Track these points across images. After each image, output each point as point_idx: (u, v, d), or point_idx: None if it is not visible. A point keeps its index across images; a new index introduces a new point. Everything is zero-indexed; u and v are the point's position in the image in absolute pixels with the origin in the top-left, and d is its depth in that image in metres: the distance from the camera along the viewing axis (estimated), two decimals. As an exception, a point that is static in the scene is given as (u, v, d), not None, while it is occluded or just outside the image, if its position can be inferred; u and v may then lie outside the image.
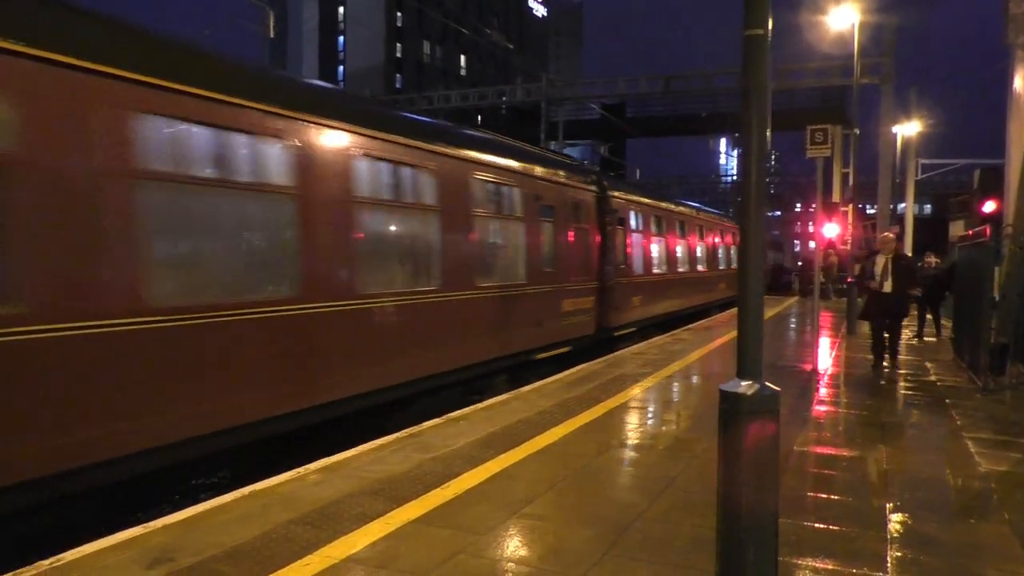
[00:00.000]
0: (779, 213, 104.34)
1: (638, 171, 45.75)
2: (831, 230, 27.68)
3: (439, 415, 8.21)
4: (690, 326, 19.24)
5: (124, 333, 5.35)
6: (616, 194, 15.90)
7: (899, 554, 4.54)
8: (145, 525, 4.79)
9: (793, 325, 20.66)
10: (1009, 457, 6.82)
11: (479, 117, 59.16)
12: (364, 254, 8.08)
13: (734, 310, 24.85)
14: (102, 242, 5.32)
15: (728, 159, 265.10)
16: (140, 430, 5.50)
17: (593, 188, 14.77)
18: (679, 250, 21.20)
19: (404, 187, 9.04)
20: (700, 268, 23.70)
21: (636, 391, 9.73)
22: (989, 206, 27.22)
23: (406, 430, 7.50)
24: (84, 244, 5.22)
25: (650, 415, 8.56)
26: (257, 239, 7.15)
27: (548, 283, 12.39)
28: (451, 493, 5.55)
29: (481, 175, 10.42)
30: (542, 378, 10.76)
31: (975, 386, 10.20)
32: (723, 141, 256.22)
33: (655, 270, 18.85)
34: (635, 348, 14.28)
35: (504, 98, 44.91)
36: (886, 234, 12.23)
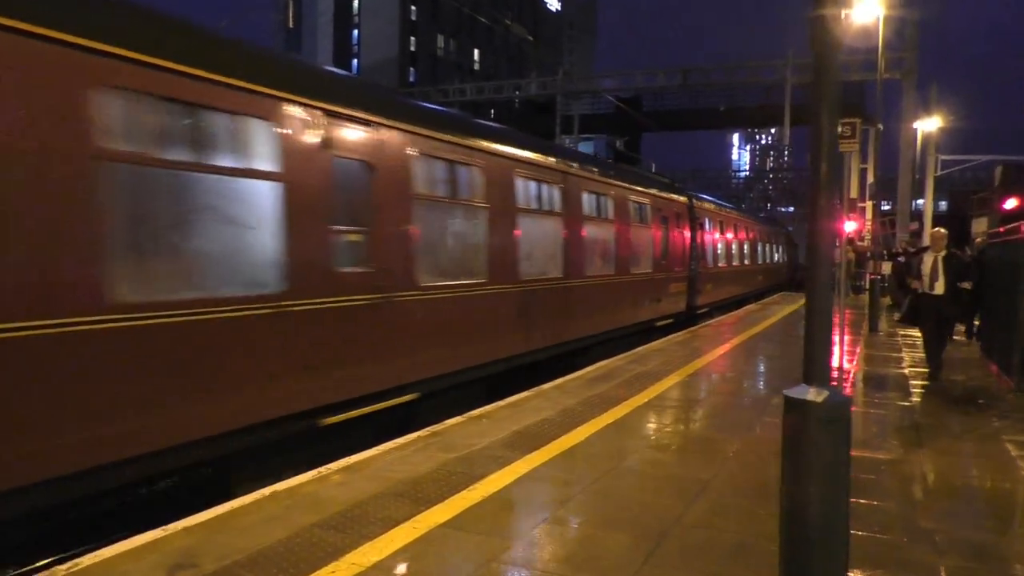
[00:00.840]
0: (792, 209, 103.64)
1: (653, 165, 45.26)
2: (848, 226, 27.32)
3: (612, 355, 12.52)
4: (708, 322, 19.01)
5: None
6: (696, 203, 20.17)
7: (952, 564, 4.33)
8: (164, 528, 4.62)
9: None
10: (1053, 462, 6.59)
11: (492, 111, 58.89)
12: (589, 253, 12.90)
13: (751, 305, 24.96)
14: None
15: (740, 154, 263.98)
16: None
17: (684, 199, 19.12)
18: (733, 247, 25.05)
19: (602, 211, 13.68)
20: (746, 262, 27.75)
21: (659, 389, 9.51)
22: (1011, 203, 26.84)
23: (428, 428, 7.32)
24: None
25: (676, 414, 8.35)
26: (544, 240, 11.39)
27: (664, 272, 17.16)
28: (478, 495, 5.37)
29: (633, 199, 15.19)
30: (649, 342, 14.51)
31: (1007, 387, 9.93)
32: (735, 136, 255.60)
33: (720, 264, 23.05)
34: (655, 344, 14.06)
35: (519, 92, 44.62)
36: (937, 230, 11.16)
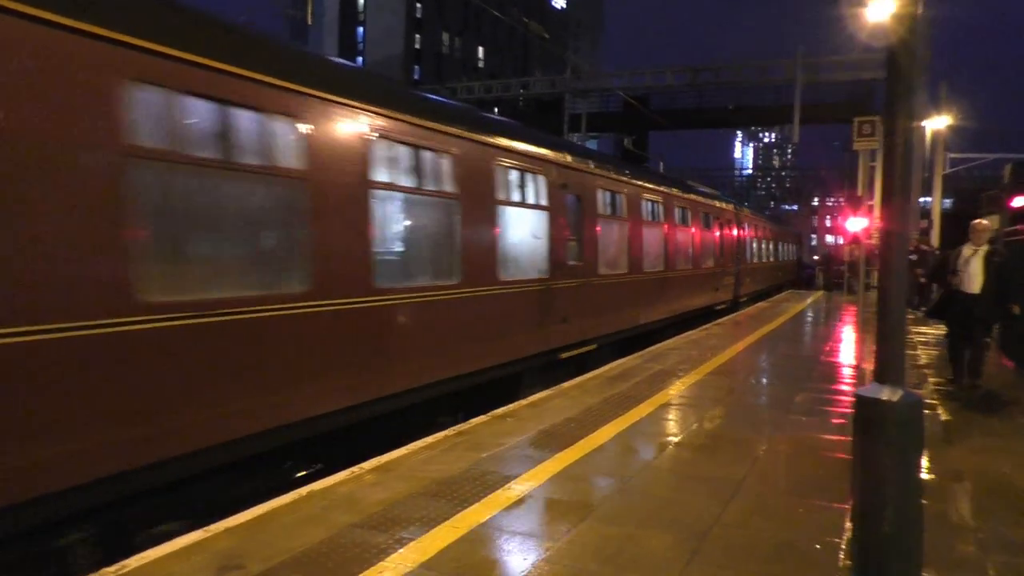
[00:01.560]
0: (796, 207, 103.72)
1: (661, 163, 45.20)
2: (856, 224, 27.39)
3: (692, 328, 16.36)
4: (719, 320, 18.98)
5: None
6: (738, 211, 24.89)
7: (1001, 559, 4.31)
8: (206, 529, 4.62)
9: (829, 320, 20.32)
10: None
11: (496, 108, 58.78)
12: (679, 253, 16.87)
13: (762, 303, 25.06)
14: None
15: (744, 151, 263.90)
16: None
17: (731, 206, 23.96)
18: (762, 247, 29.94)
19: (687, 220, 17.56)
20: (771, 259, 32.83)
21: (679, 387, 9.50)
22: (1019, 201, 26.74)
23: (454, 428, 7.32)
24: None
25: (700, 413, 8.33)
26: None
27: (721, 268, 21.32)
28: (515, 495, 5.36)
29: (704, 210, 19.41)
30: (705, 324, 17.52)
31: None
32: (738, 133, 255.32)
33: (753, 261, 27.49)
34: (670, 343, 14.03)
35: (523, 90, 44.52)
36: (979, 221, 9.82)
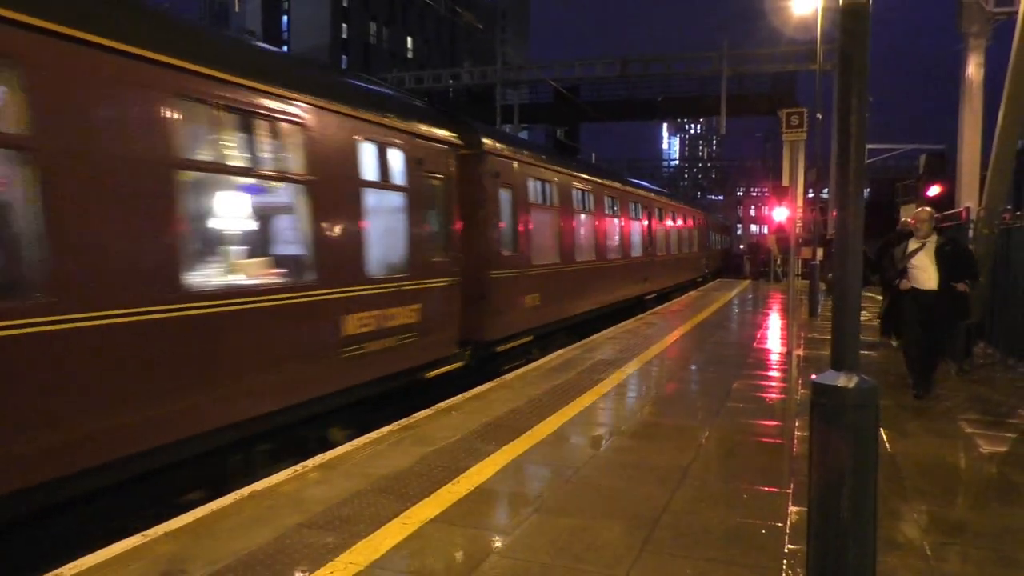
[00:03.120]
0: (722, 197, 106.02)
1: (594, 155, 45.61)
2: (781, 213, 28.27)
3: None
4: (655, 309, 19.27)
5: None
6: (703, 212, 34.42)
7: (937, 540, 4.46)
8: (145, 534, 4.43)
9: (758, 308, 20.83)
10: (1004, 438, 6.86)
11: (426, 98, 58.29)
12: (672, 242, 24.84)
13: (692, 292, 25.66)
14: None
15: (671, 143, 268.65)
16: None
17: (699, 210, 33.15)
18: (711, 237, 37.27)
19: (684, 222, 27.15)
20: (716, 247, 41.04)
21: (620, 376, 9.58)
22: (934, 190, 27.92)
23: (399, 422, 7.22)
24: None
25: (642, 402, 8.43)
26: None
27: (697, 253, 30.36)
28: (464, 489, 5.31)
29: (690, 215, 28.88)
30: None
31: (953, 369, 10.31)
32: (664, 126, 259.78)
33: (709, 247, 35.70)
34: (607, 332, 14.17)
35: (453, 81, 44.28)
36: (923, 209, 8.82)
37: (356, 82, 8.64)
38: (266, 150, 6.43)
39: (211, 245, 6.06)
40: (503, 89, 40.81)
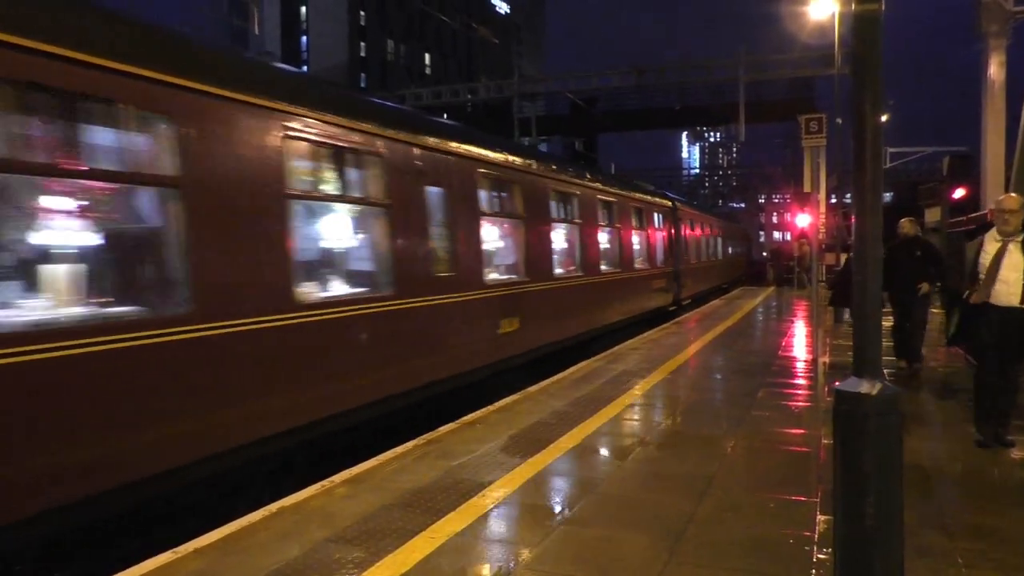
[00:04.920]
0: (743, 205, 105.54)
1: (612, 165, 45.69)
2: (804, 220, 28.04)
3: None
4: (678, 319, 19.20)
5: None
6: (728, 222, 36.89)
7: (966, 547, 4.42)
8: (175, 551, 4.49)
9: (782, 315, 20.70)
10: None
11: (444, 114, 58.66)
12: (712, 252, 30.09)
13: (716, 301, 25.53)
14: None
15: (690, 151, 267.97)
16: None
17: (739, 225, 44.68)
18: (730, 247, 37.75)
19: (713, 232, 29.93)
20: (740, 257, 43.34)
21: (644, 387, 9.57)
22: (958, 193, 27.66)
23: (423, 436, 7.26)
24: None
25: (666, 412, 8.41)
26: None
27: (731, 259, 36.21)
28: (489, 502, 5.33)
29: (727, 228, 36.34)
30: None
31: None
32: (684, 134, 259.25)
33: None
34: (630, 343, 14.14)
35: (471, 96, 44.54)
36: (1010, 196, 6.84)
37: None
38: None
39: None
40: (520, 102, 41.00)
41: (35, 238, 4.67)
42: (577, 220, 13.23)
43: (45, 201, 4.70)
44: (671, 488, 5.63)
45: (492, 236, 10.38)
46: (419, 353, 8.02)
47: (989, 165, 20.54)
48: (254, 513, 5.14)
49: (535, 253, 11.10)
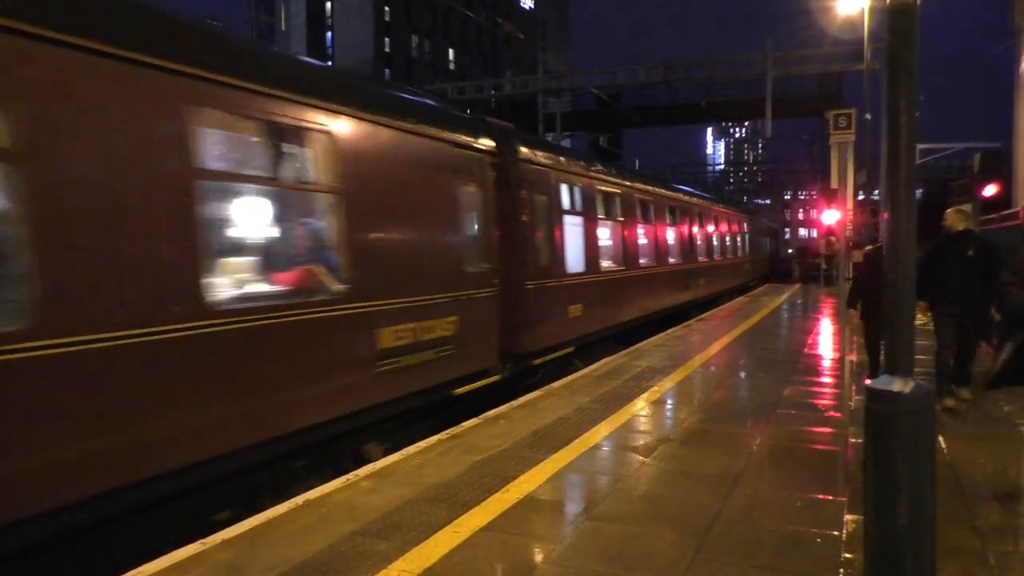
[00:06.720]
0: (769, 201, 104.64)
1: (637, 160, 45.49)
2: (831, 216, 27.71)
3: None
4: (702, 316, 19.08)
5: None
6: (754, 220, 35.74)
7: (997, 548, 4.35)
8: (203, 541, 4.54)
9: (808, 312, 20.51)
10: None
11: (468, 110, 58.62)
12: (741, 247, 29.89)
13: (741, 298, 25.34)
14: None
15: (715, 147, 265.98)
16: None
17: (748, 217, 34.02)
18: (766, 243, 41.65)
19: (737, 228, 29.05)
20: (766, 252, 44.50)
21: (668, 384, 9.52)
22: (990, 189, 27.18)
23: (447, 431, 7.27)
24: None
25: (691, 408, 8.36)
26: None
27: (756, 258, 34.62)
28: (513, 497, 5.33)
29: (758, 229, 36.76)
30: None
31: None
32: (709, 129, 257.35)
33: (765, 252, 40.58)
34: (655, 339, 14.08)
35: (497, 91, 44.50)
36: None
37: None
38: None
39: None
40: (545, 98, 40.92)
41: None
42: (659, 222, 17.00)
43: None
44: (696, 485, 5.60)
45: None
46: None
47: (1021, 162, 20.13)
48: (280, 505, 5.18)
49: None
